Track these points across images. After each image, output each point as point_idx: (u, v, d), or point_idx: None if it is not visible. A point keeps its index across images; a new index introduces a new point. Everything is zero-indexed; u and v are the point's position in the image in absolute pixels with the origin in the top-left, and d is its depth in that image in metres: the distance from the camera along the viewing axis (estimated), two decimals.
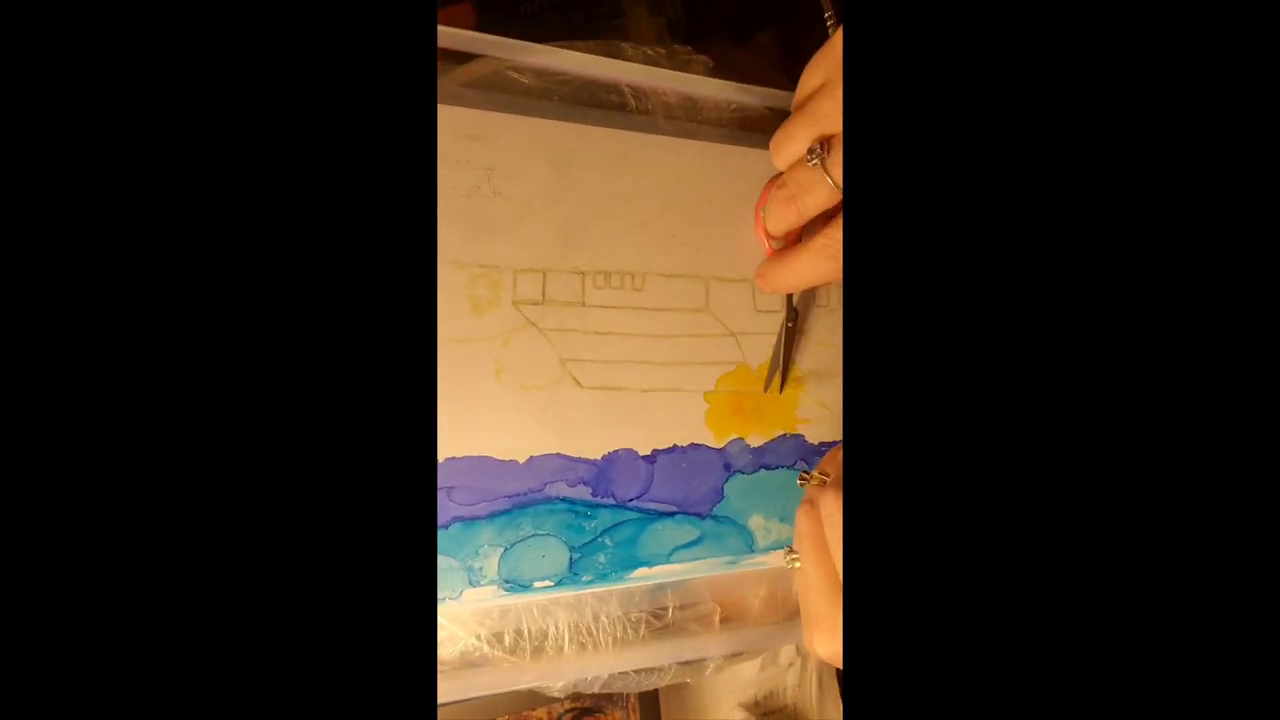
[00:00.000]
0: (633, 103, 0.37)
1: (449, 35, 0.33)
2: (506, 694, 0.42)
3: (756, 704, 0.46)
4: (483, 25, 0.34)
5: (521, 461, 0.32)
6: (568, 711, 0.43)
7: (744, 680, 0.45)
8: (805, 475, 0.32)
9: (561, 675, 0.33)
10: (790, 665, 0.46)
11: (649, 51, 0.38)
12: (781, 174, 0.34)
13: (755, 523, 0.36)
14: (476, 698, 0.42)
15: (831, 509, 0.28)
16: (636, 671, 0.34)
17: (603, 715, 0.43)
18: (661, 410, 0.35)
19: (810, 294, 0.39)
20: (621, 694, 0.43)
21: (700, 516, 0.35)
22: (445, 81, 0.34)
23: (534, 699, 0.42)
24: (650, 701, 0.44)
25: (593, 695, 0.41)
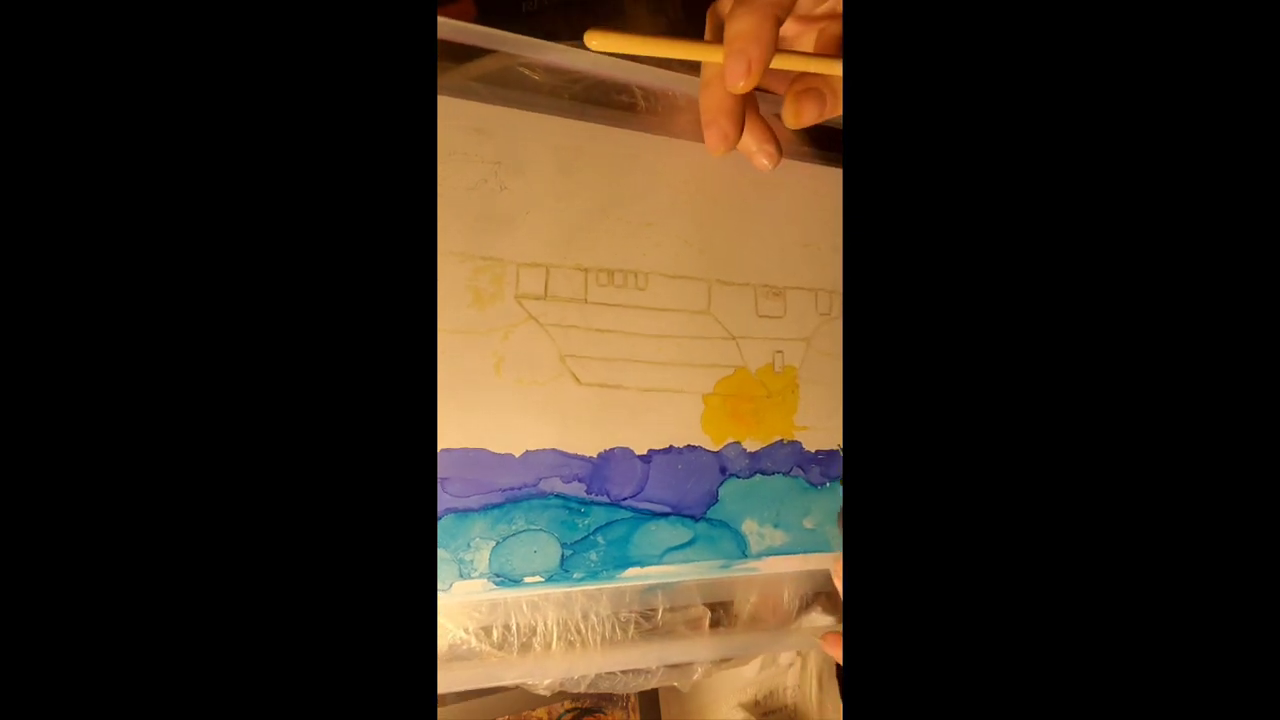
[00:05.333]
0: (642, 104, 0.38)
1: (463, 30, 0.33)
2: (507, 695, 0.41)
3: (756, 704, 0.45)
4: (483, 24, 0.34)
5: (517, 455, 0.32)
6: (568, 712, 0.43)
7: (744, 680, 0.45)
8: None
9: (548, 673, 0.33)
10: (790, 665, 0.46)
11: None
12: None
13: (749, 527, 0.36)
14: (476, 697, 0.42)
15: None
16: (624, 672, 0.34)
17: (603, 715, 0.43)
18: (659, 410, 0.35)
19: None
20: (621, 694, 0.42)
21: (694, 518, 0.35)
22: (455, 75, 0.35)
23: (534, 699, 0.41)
24: (650, 702, 0.44)
25: (593, 695, 0.41)
